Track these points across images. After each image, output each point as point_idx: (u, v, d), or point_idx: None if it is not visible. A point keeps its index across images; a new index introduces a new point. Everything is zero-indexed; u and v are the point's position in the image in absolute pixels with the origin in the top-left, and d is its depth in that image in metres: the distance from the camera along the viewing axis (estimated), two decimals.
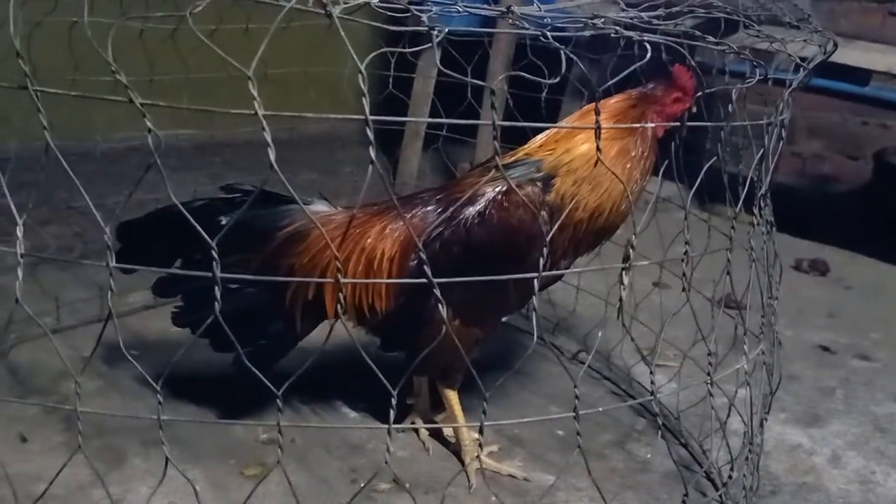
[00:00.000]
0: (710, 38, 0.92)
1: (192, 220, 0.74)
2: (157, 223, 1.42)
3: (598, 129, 0.81)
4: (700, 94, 0.98)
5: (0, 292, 1.73)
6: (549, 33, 0.77)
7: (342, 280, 0.75)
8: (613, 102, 1.38)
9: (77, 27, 0.95)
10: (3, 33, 0.81)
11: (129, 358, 0.89)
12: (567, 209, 1.29)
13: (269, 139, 0.66)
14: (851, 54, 2.75)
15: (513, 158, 1.39)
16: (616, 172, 1.25)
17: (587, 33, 0.86)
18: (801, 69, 1.06)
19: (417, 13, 0.77)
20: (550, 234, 0.94)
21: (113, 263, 0.74)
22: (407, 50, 0.74)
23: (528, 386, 1.79)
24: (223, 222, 1.36)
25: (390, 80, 2.12)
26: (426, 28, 0.70)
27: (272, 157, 0.67)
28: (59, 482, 1.31)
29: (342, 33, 0.75)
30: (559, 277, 1.48)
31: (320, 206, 1.47)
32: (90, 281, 2.09)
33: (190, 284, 1.44)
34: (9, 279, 0.84)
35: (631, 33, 0.84)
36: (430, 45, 0.68)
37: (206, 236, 0.72)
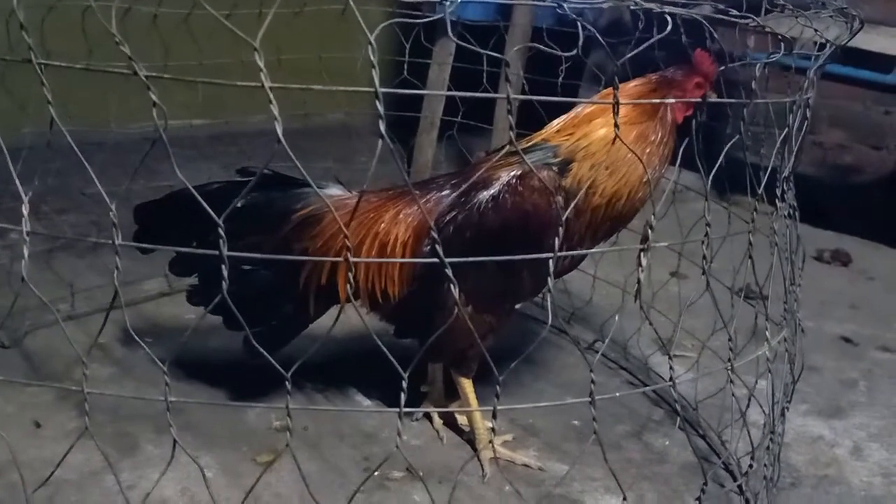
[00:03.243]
0: (734, 12, 0.89)
1: (199, 198, 0.73)
2: (173, 205, 1.42)
3: (615, 104, 0.79)
4: (722, 67, 0.96)
5: (14, 278, 1.73)
6: (565, 4, 0.75)
7: (352, 259, 0.73)
8: (633, 86, 1.35)
9: (90, 12, 0.94)
10: (15, 17, 0.81)
11: (139, 341, 0.88)
12: (584, 194, 1.27)
13: (276, 112, 0.65)
14: (875, 40, 2.69)
15: (529, 143, 1.37)
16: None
17: (606, 5, 0.83)
18: (828, 45, 1.03)
19: None
20: (566, 219, 0.92)
21: (119, 242, 0.73)
22: (421, 20, 0.72)
23: (544, 376, 1.77)
24: (238, 205, 1.36)
25: (405, 66, 2.10)
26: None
27: (279, 130, 0.65)
28: (72, 468, 1.32)
29: (356, 12, 0.74)
30: (577, 264, 1.46)
31: (335, 191, 1.46)
32: (105, 268, 2.09)
33: (205, 263, 1.44)
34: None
35: (651, 5, 0.82)
36: (441, 16, 0.66)
37: (213, 214, 0.71)
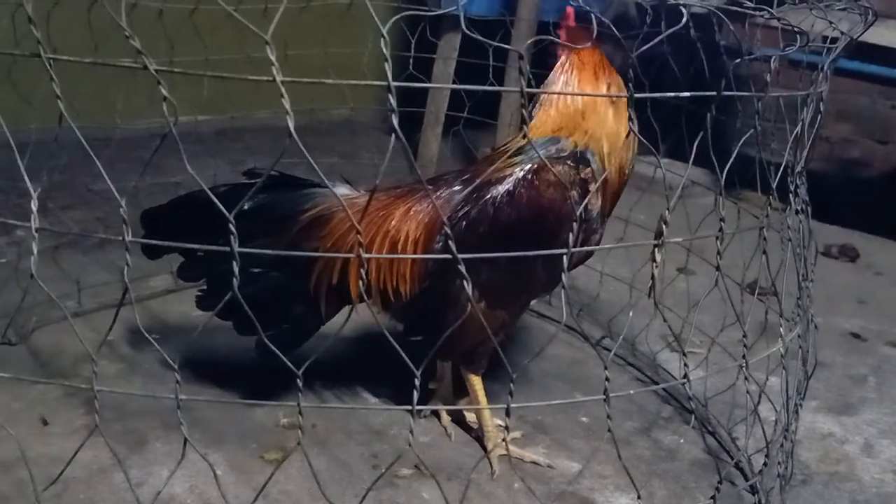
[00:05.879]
0: (748, 4, 0.88)
1: (213, 196, 0.72)
2: (180, 210, 1.40)
3: (631, 97, 0.78)
4: (737, 60, 0.95)
5: (21, 275, 1.73)
6: None
7: (364, 255, 0.72)
8: (586, 57, 1.35)
9: (95, 7, 0.93)
10: (21, 12, 0.80)
11: (149, 338, 0.87)
12: (606, 171, 1.30)
13: (287, 106, 0.64)
14: (883, 34, 2.67)
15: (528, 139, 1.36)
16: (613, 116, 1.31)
17: None
18: (842, 38, 1.01)
19: None
20: (582, 207, 0.91)
21: (129, 238, 0.73)
22: (430, 13, 0.71)
23: (552, 372, 1.77)
24: (246, 207, 1.35)
25: (410, 61, 2.08)
26: None
27: (291, 125, 0.65)
28: (80, 464, 1.32)
29: (369, 5, 0.73)
30: (589, 255, 1.46)
31: (342, 190, 1.45)
32: (112, 265, 2.09)
33: (214, 268, 1.43)
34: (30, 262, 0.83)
35: None
36: (447, 10, 0.65)
37: (224, 210, 0.70)
